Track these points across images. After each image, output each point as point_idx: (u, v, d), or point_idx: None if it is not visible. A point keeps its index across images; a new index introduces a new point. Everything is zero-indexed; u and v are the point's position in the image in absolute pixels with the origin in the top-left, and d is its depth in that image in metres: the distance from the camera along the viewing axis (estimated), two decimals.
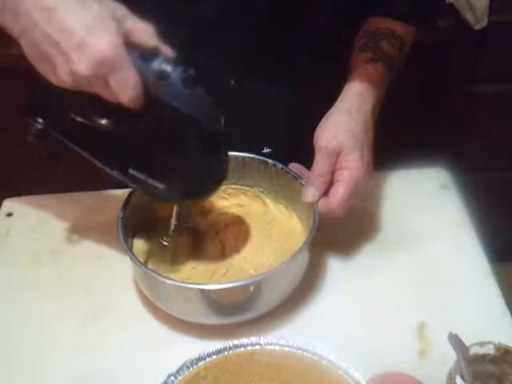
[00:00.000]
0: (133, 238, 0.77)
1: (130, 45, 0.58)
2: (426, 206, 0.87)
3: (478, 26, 1.37)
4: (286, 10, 0.81)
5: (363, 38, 0.86)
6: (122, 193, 0.78)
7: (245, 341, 0.64)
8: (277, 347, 0.64)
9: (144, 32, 0.60)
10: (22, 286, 0.79)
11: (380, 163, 0.82)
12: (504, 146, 1.55)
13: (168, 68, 0.60)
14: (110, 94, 0.58)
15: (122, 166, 0.68)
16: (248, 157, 0.82)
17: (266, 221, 0.82)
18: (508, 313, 0.73)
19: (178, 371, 0.62)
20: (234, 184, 0.83)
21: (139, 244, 0.77)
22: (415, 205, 0.87)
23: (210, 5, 0.80)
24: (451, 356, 0.59)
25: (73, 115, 0.65)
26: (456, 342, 0.59)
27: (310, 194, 0.74)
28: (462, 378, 0.57)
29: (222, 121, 0.65)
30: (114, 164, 0.69)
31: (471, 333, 0.61)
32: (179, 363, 0.62)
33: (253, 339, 0.64)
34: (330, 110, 0.79)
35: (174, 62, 0.60)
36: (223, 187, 0.78)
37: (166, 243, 0.76)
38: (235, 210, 0.83)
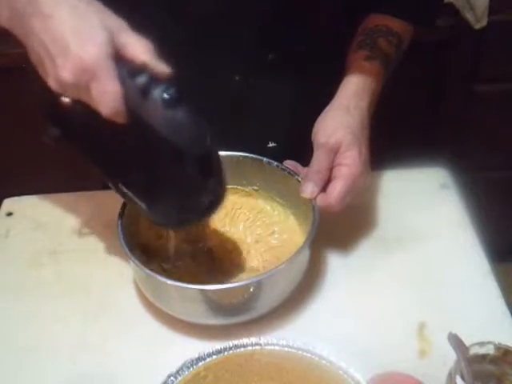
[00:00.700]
0: (133, 238, 0.77)
1: (122, 58, 0.58)
2: (426, 206, 0.87)
3: (477, 26, 1.37)
4: (291, 7, 0.81)
5: (361, 35, 0.87)
6: None
7: (245, 341, 0.64)
8: (277, 347, 0.64)
9: (137, 47, 0.59)
10: (21, 286, 0.79)
11: (380, 162, 0.82)
12: (504, 145, 1.55)
13: (151, 86, 0.58)
14: (93, 104, 0.58)
15: (113, 178, 0.68)
16: (242, 156, 0.81)
17: (260, 219, 0.81)
18: (508, 313, 0.73)
19: (177, 371, 0.62)
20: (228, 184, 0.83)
21: (139, 244, 0.77)
22: (415, 204, 0.87)
23: (215, 0, 0.80)
24: (451, 356, 0.59)
25: (77, 121, 0.65)
26: (456, 341, 0.59)
27: (309, 189, 0.74)
28: (462, 378, 0.57)
29: (208, 140, 0.61)
30: (107, 176, 0.69)
31: (471, 333, 0.61)
32: (179, 363, 0.62)
33: (253, 339, 0.64)
34: (328, 107, 0.79)
35: (158, 81, 0.58)
36: None
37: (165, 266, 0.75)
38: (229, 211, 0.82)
